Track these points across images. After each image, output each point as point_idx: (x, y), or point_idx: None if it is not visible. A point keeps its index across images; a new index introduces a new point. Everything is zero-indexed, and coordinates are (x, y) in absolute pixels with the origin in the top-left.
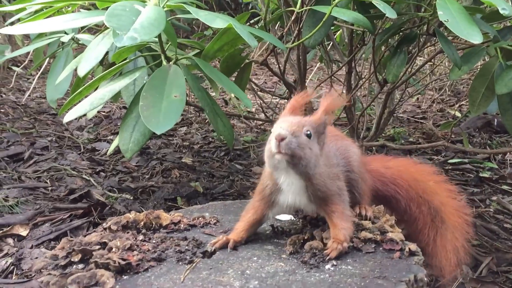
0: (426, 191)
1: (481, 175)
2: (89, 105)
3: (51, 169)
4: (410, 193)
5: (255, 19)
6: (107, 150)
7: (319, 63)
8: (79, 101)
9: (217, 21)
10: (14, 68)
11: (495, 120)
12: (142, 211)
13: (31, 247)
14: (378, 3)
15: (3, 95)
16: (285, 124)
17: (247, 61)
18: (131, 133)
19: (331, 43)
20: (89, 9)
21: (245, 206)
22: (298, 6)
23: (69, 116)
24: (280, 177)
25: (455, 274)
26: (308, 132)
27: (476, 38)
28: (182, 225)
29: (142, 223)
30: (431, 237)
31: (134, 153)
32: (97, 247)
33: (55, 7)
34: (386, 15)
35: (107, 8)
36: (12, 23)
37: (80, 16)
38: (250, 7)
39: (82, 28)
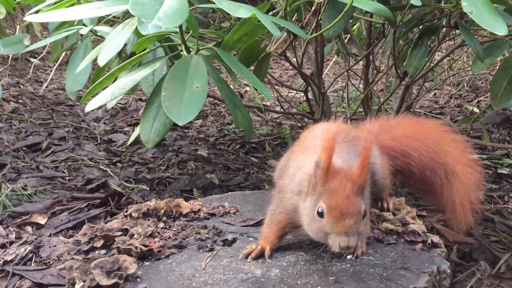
0: (437, 152)
1: (499, 171)
2: (110, 95)
3: (68, 159)
4: (422, 160)
5: (272, 12)
6: (124, 142)
7: (336, 56)
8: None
9: (240, 10)
10: (31, 59)
11: None
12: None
13: (50, 235)
14: None
15: (21, 86)
16: (345, 224)
17: (265, 52)
18: (152, 123)
19: (349, 36)
20: None
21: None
22: None
23: (91, 105)
24: None
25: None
26: (364, 212)
27: (501, 29)
28: (202, 214)
29: (162, 211)
30: (450, 198)
31: (155, 143)
32: (119, 233)
33: None
34: (411, 2)
35: None
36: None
37: (103, 5)
38: None
39: (100, 20)
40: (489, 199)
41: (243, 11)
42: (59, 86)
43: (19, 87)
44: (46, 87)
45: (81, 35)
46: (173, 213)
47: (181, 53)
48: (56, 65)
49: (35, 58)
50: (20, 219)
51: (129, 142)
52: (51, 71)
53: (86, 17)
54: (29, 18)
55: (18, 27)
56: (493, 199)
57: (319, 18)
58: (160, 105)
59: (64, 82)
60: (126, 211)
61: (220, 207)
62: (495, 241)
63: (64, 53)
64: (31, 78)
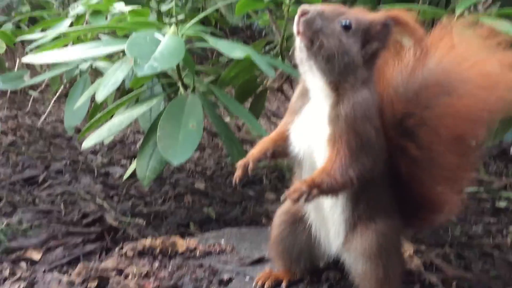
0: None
1: (497, 205)
2: (107, 132)
3: (65, 193)
4: None
5: (270, 45)
6: (121, 175)
7: None
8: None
9: (236, 51)
10: (31, 92)
11: (511, 148)
12: (155, 236)
13: (44, 271)
14: None
15: (19, 119)
16: (319, 6)
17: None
18: (148, 161)
19: None
20: (108, 34)
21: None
22: None
23: (88, 142)
24: (307, 79)
25: None
26: (347, 23)
27: None
28: (198, 252)
29: (158, 249)
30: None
31: (151, 181)
32: (114, 273)
33: (75, 34)
34: None
35: (126, 35)
36: (31, 49)
37: (100, 45)
38: (263, 34)
39: None
40: (487, 233)
41: (239, 52)
42: (57, 118)
43: (17, 121)
44: (44, 119)
45: (80, 70)
46: (169, 252)
47: (179, 87)
48: (55, 97)
49: (34, 90)
50: (15, 254)
51: (125, 177)
52: (49, 103)
53: (83, 57)
54: (28, 59)
55: (17, 60)
56: (491, 233)
57: None
58: (156, 142)
59: (62, 115)
60: (121, 248)
61: (216, 245)
62: (494, 277)
63: (62, 86)
64: (30, 110)
